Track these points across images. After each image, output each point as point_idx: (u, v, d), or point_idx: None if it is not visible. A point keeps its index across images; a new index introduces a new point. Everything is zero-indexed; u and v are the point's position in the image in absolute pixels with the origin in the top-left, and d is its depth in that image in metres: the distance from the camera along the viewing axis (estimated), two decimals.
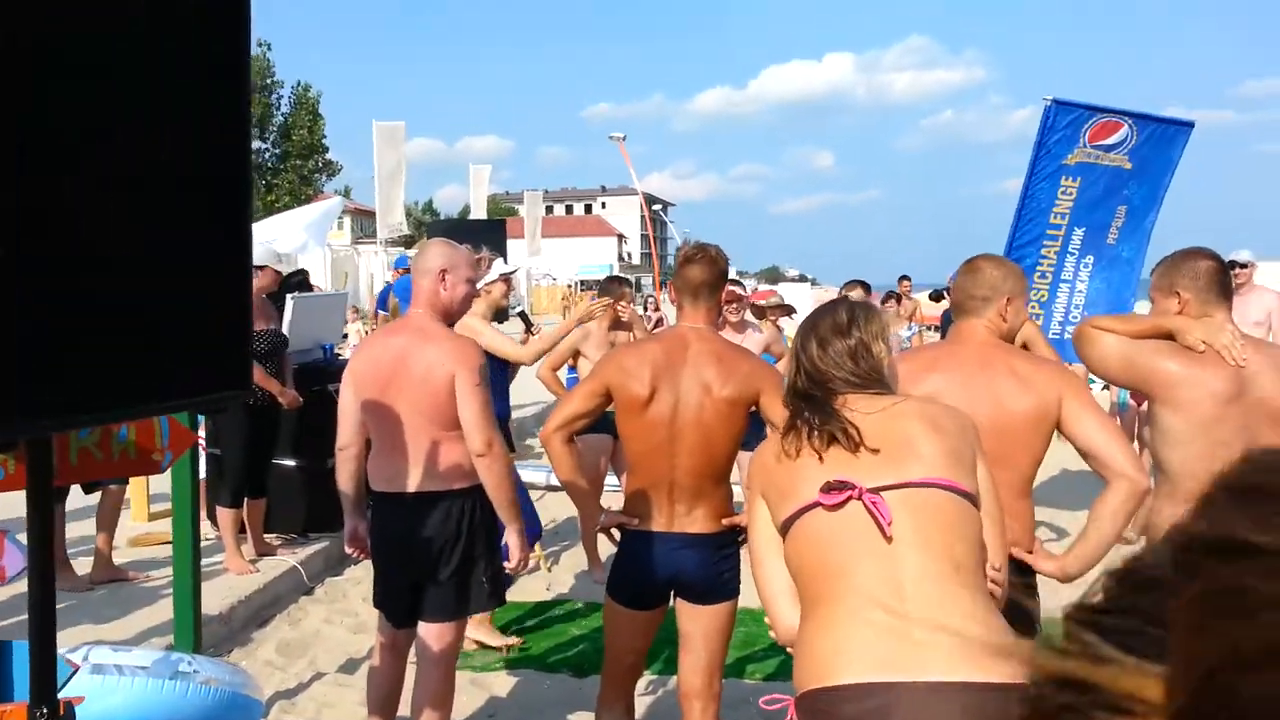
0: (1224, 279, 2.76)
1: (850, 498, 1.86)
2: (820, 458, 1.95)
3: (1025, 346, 5.53)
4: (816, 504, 1.89)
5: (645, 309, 10.96)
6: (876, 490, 1.86)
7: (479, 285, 4.95)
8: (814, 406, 2.03)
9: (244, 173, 1.51)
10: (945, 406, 2.09)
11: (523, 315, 6.00)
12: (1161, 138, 6.71)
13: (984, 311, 2.70)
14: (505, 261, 5.49)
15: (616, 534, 3.09)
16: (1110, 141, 6.71)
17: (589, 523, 3.19)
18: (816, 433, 1.98)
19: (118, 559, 5.52)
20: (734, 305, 6.10)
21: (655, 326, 9.22)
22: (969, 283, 2.74)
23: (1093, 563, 2.50)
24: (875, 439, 1.94)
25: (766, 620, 2.09)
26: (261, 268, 5.54)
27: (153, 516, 6.62)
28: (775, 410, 2.86)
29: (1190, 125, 6.74)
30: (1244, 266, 7.19)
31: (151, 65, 1.37)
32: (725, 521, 2.97)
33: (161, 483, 5.54)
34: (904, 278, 12.75)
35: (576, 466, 3.08)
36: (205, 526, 6.19)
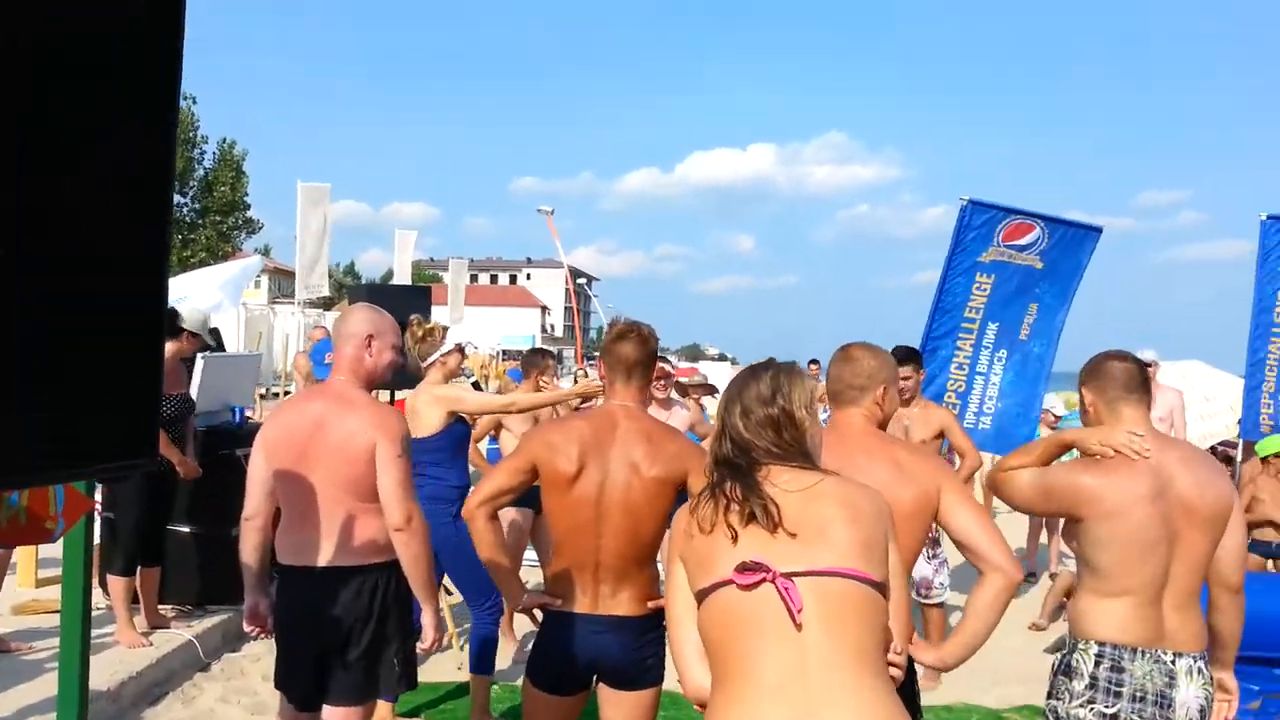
0: (1132, 378, 2.82)
1: (764, 580, 1.89)
2: (737, 534, 1.96)
3: (942, 433, 5.69)
4: (730, 581, 1.92)
5: (575, 381, 10.92)
6: (790, 575, 1.89)
7: (434, 356, 4.91)
8: (737, 476, 2.03)
9: (163, 229, 1.47)
10: (864, 489, 2.07)
11: (475, 385, 5.94)
12: (1071, 241, 7.04)
13: (861, 400, 2.72)
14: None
15: (539, 614, 3.02)
16: (1023, 242, 7.02)
17: (510, 602, 3.11)
18: (737, 506, 1.98)
19: (0, 627, 5.20)
20: (663, 382, 6.12)
21: (584, 404, 9.18)
22: (846, 372, 2.75)
23: (970, 653, 2.53)
24: (793, 521, 1.95)
25: (680, 687, 2.12)
26: (193, 334, 5.40)
27: (40, 583, 6.28)
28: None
29: (1098, 230, 7.08)
30: (1148, 365, 7.50)
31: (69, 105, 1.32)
32: (650, 604, 2.92)
33: (51, 546, 5.27)
34: (813, 361, 12.98)
35: (499, 544, 3.02)
36: (96, 594, 5.89)
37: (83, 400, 1.38)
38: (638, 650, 2.89)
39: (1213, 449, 9.17)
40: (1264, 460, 6.98)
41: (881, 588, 1.96)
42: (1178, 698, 2.62)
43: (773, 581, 1.88)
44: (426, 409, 4.81)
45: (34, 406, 1.31)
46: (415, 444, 4.91)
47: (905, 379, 5.45)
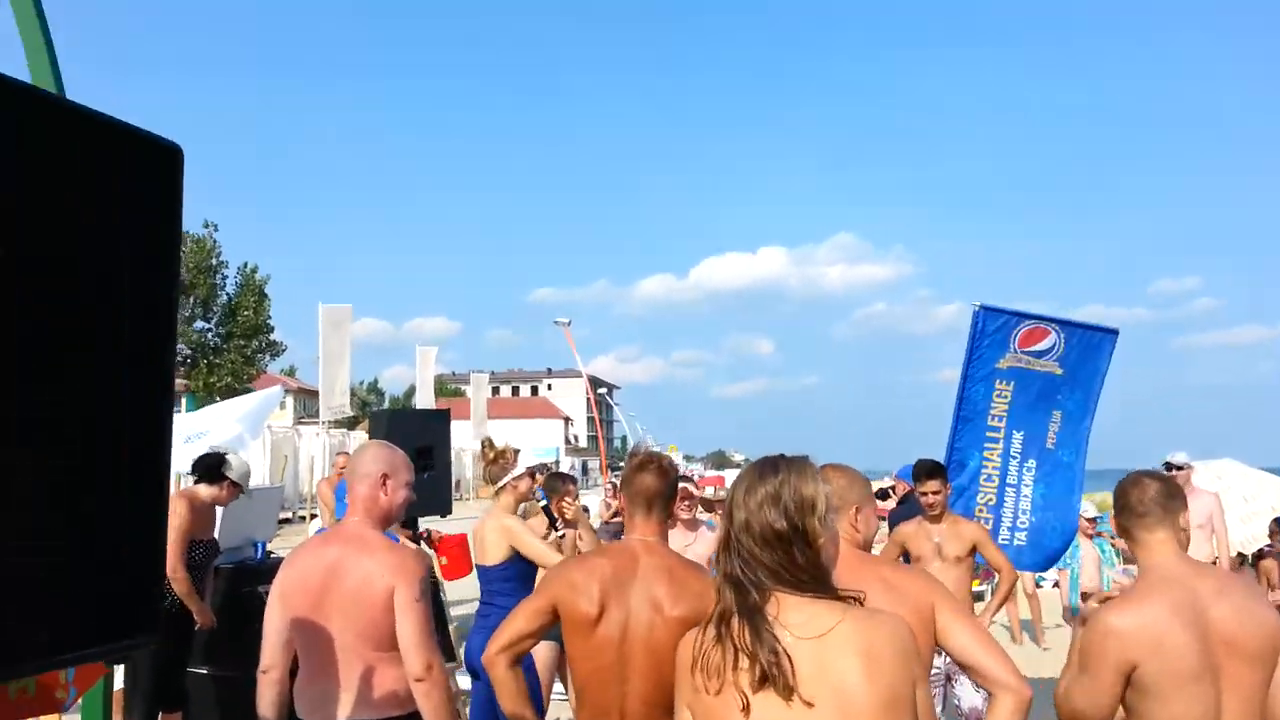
0: (1155, 500, 2.73)
1: None
2: (749, 704, 1.76)
3: (975, 548, 5.55)
4: None
5: (605, 497, 10.86)
6: None
7: (505, 480, 4.89)
8: (745, 613, 1.83)
9: (164, 420, 1.48)
10: (885, 626, 1.85)
11: (546, 510, 5.89)
12: (1088, 345, 6.99)
13: (836, 524, 2.68)
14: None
15: None
16: (1039, 348, 6.98)
17: None
18: (747, 662, 1.78)
19: None
20: (686, 503, 6.05)
21: (614, 516, 9.07)
22: None
23: None
24: (810, 683, 1.75)
25: None
26: (235, 483, 5.44)
27: None
28: None
29: (1115, 333, 7.04)
30: (1180, 469, 7.36)
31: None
32: None
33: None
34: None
35: (521, 692, 2.92)
36: None
37: (85, 585, 1.38)
38: None
39: (1259, 554, 8.91)
40: None
41: None
42: None
43: None
44: (494, 537, 4.76)
45: (33, 594, 1.31)
46: (481, 572, 4.87)
47: (934, 493, 5.37)
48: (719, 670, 1.81)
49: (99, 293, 1.36)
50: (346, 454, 9.96)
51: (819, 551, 1.87)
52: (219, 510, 6.03)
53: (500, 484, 4.94)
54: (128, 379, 1.41)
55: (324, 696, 3.00)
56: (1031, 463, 6.87)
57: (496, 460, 4.97)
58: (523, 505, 5.48)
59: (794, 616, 1.81)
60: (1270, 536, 8.27)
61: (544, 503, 5.87)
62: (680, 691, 1.97)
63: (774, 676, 1.74)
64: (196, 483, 5.55)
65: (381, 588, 2.96)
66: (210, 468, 5.42)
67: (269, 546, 6.98)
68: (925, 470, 5.39)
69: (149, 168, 1.46)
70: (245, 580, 5.93)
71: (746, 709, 1.76)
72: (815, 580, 1.86)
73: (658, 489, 2.99)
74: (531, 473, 5.18)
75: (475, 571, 5.09)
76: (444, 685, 2.97)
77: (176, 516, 5.22)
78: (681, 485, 6.05)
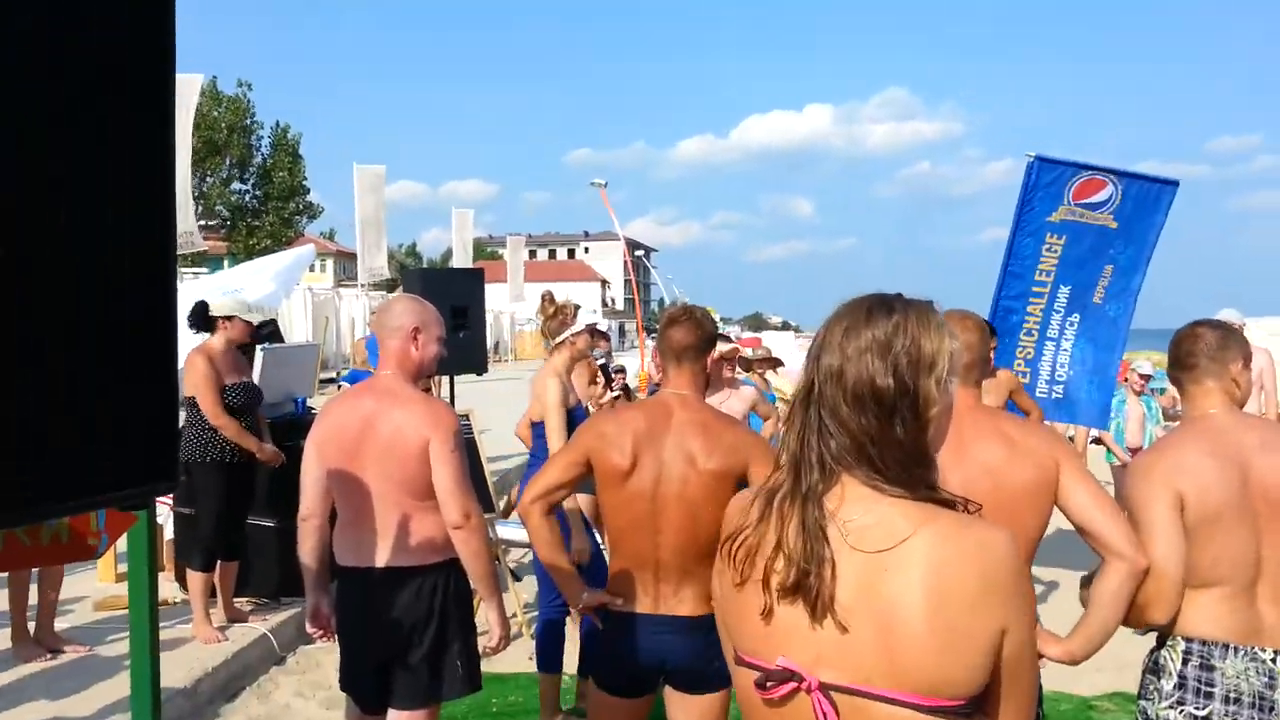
0: (1206, 347, 2.63)
1: (796, 690, 1.39)
2: (771, 610, 1.40)
3: (1012, 396, 5.50)
4: (752, 665, 1.45)
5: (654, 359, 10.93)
6: (828, 689, 1.36)
7: (564, 336, 4.82)
8: (797, 496, 1.41)
9: (168, 265, 1.39)
10: (973, 548, 1.34)
11: (604, 368, 5.82)
12: (1146, 197, 6.71)
13: (964, 377, 2.59)
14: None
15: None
16: (1095, 200, 6.71)
17: (571, 601, 3.03)
18: (783, 561, 1.39)
19: (81, 621, 5.30)
20: (730, 362, 5.99)
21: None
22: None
23: (1098, 646, 2.41)
24: (849, 609, 1.35)
25: None
26: (229, 318, 5.40)
27: (120, 577, 6.40)
28: None
29: (1175, 184, 6.74)
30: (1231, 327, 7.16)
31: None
32: None
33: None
34: None
35: (556, 542, 2.92)
36: (174, 589, 6.00)
37: (99, 429, 1.32)
38: (705, 651, 2.78)
39: None
40: None
41: (961, 709, 1.33)
42: None
43: (808, 693, 1.38)
44: (546, 395, 4.71)
45: (46, 439, 1.26)
46: (534, 425, 4.85)
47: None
48: (749, 556, 1.44)
49: (84, 137, 1.25)
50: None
51: (926, 427, 1.40)
52: (257, 366, 6.07)
53: (559, 339, 4.84)
54: (125, 224, 1.32)
55: (362, 543, 3.03)
56: (1075, 317, 6.71)
57: (556, 315, 4.84)
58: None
59: (858, 515, 1.38)
60: None
61: (603, 361, 5.78)
62: (721, 550, 1.58)
63: (807, 588, 1.36)
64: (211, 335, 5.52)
65: (415, 439, 2.95)
66: (199, 316, 5.39)
67: (310, 403, 7.07)
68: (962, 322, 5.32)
69: None
70: (286, 434, 6.01)
71: (768, 614, 1.40)
72: (905, 468, 1.39)
73: (688, 341, 2.92)
74: (591, 330, 5.05)
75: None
76: (482, 532, 2.99)
77: (196, 372, 5.24)
78: (728, 346, 5.98)
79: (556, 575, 2.98)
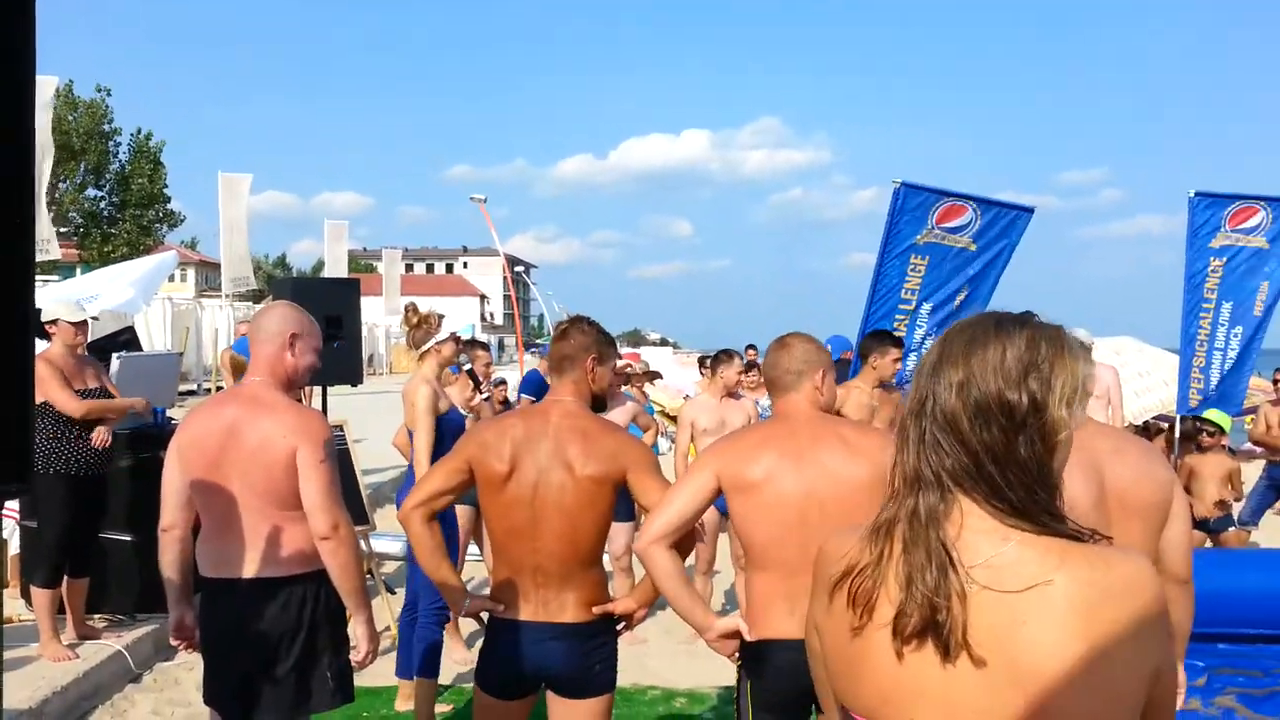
0: None
1: None
2: (900, 654, 1.24)
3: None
4: None
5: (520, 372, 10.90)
6: None
7: (429, 344, 4.81)
8: (914, 519, 1.26)
9: (26, 238, 1.33)
10: (1123, 584, 1.20)
11: (470, 374, 5.86)
12: (1003, 221, 7.11)
13: (800, 385, 2.77)
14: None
15: (485, 616, 2.94)
16: (956, 224, 7.08)
17: (453, 607, 3.01)
18: (907, 604, 1.22)
19: None
20: (619, 377, 6.07)
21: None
22: (784, 358, 2.80)
23: None
24: (985, 660, 1.19)
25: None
26: (52, 322, 5.12)
27: None
28: (646, 491, 2.79)
29: (1030, 211, 7.17)
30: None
31: None
32: (597, 610, 2.83)
33: None
34: (750, 346, 12.95)
35: (437, 547, 2.90)
36: (19, 606, 5.65)
37: None
38: (585, 658, 2.80)
39: (1146, 424, 9.38)
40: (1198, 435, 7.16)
41: None
42: None
43: None
44: (416, 400, 4.74)
45: None
46: (411, 434, 4.82)
47: (895, 361, 5.50)
48: (868, 599, 1.27)
49: None
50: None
51: (1053, 450, 1.26)
52: (113, 374, 5.80)
53: (424, 348, 4.88)
54: None
55: (228, 555, 2.92)
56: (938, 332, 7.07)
57: (420, 325, 4.92)
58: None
59: (983, 546, 1.23)
60: (1275, 386, 8.78)
61: (468, 366, 5.83)
62: (813, 605, 1.42)
63: (937, 626, 1.20)
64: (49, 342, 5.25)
65: (283, 448, 2.87)
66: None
67: (169, 414, 6.79)
68: (894, 340, 5.59)
69: None
70: (144, 445, 5.76)
71: (899, 658, 1.23)
72: (1029, 490, 1.24)
73: (564, 351, 2.96)
74: (455, 338, 5.09)
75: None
76: (351, 544, 2.92)
77: (38, 378, 4.97)
78: (620, 363, 6.05)
79: (439, 581, 2.97)
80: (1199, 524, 7.04)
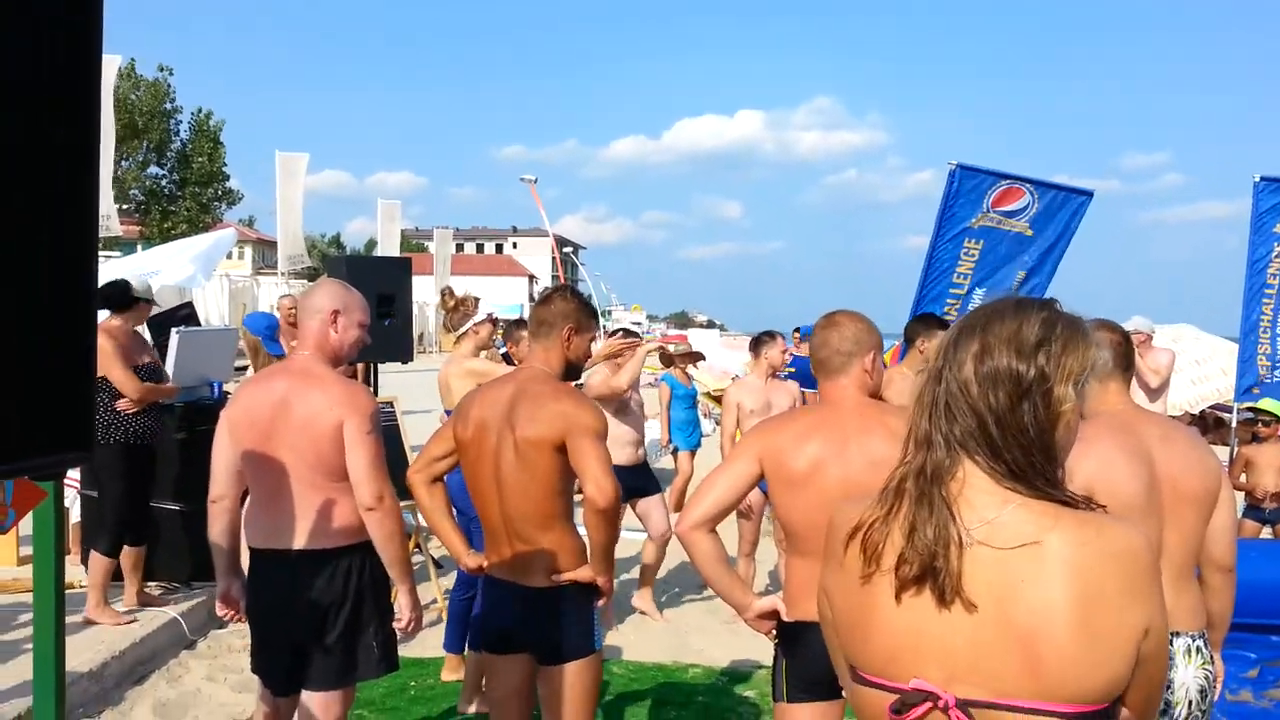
0: (1110, 346, 2.72)
1: (931, 710, 1.32)
2: (899, 598, 1.34)
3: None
4: (878, 684, 1.38)
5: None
6: (966, 706, 1.29)
7: (466, 327, 4.88)
8: (919, 475, 1.35)
9: (89, 207, 1.37)
10: (1113, 546, 1.29)
11: (506, 356, 5.94)
12: (1061, 206, 6.97)
13: (849, 368, 2.63)
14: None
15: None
16: (1012, 207, 6.94)
17: (459, 562, 3.12)
18: (908, 552, 1.32)
19: None
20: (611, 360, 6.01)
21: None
22: (833, 337, 2.65)
23: None
24: (983, 614, 1.29)
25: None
26: (137, 300, 5.26)
27: (22, 560, 6.19)
28: (577, 456, 2.79)
29: (1089, 195, 7.01)
30: (1137, 335, 7.50)
31: None
32: (565, 577, 2.85)
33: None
34: (796, 329, 12.84)
35: (438, 508, 3.04)
36: (80, 573, 5.81)
37: (5, 395, 1.30)
38: (549, 623, 2.85)
39: (1202, 414, 9.17)
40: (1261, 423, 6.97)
41: (1104, 713, 1.29)
42: (1176, 678, 2.53)
43: (944, 711, 1.31)
44: (458, 383, 4.82)
45: None
46: (449, 415, 4.89)
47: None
48: (875, 550, 1.36)
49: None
50: (290, 296, 9.75)
51: (1056, 421, 1.34)
52: (172, 349, 5.92)
53: (461, 330, 4.94)
54: (48, 202, 1.30)
55: (276, 527, 2.98)
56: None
57: (457, 308, 4.99)
58: (483, 353, 5.47)
59: (982, 506, 1.32)
60: None
61: (503, 350, 5.87)
62: (824, 573, 1.49)
63: (934, 570, 1.30)
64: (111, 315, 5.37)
65: (330, 420, 2.92)
66: (119, 296, 5.26)
67: (226, 388, 6.92)
68: (940, 324, 5.51)
69: None
70: (201, 418, 5.88)
71: (898, 603, 1.33)
72: (1027, 455, 1.33)
73: (543, 316, 3.02)
74: (492, 319, 5.15)
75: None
76: (395, 515, 2.97)
77: (102, 351, 5.10)
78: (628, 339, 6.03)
79: (443, 538, 3.09)
80: (1256, 514, 6.88)
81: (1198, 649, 2.58)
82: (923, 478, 1.34)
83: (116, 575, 5.31)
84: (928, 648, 1.31)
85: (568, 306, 2.99)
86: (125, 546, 5.33)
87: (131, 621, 5.16)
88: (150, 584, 5.67)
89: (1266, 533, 6.90)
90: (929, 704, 1.30)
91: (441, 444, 3.02)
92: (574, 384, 3.42)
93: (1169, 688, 2.51)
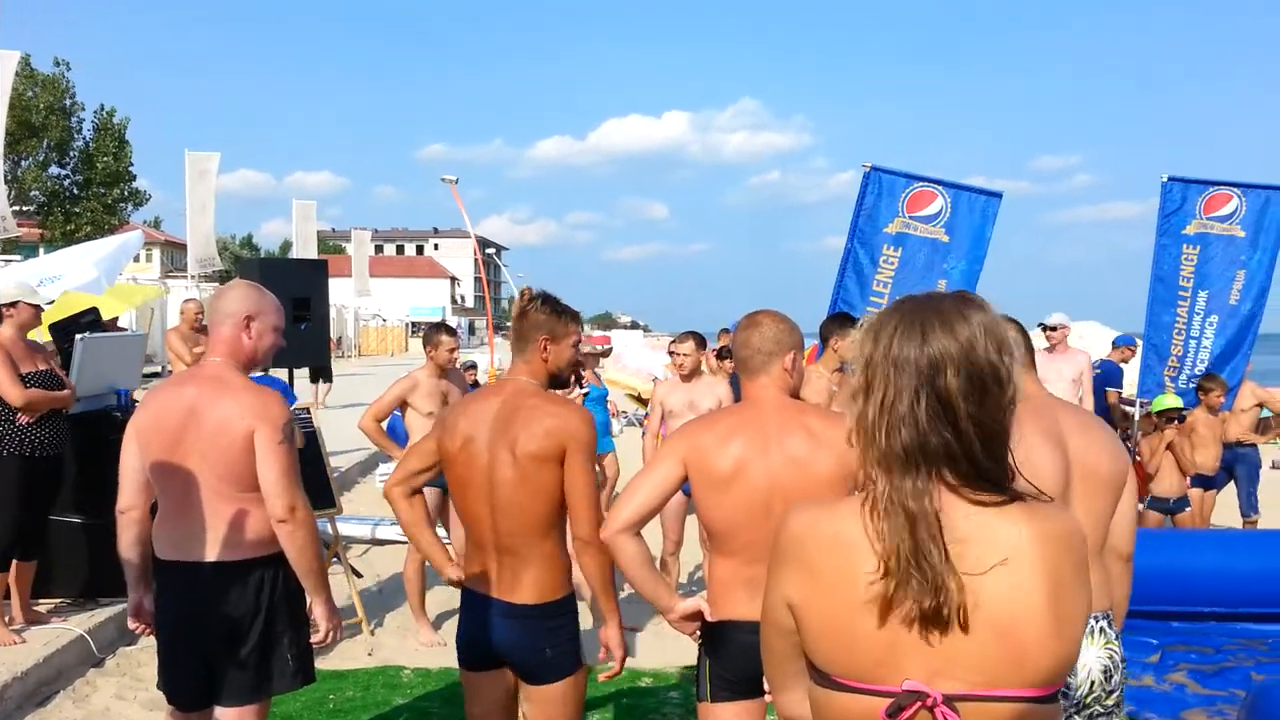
0: (1022, 339, 2.78)
1: (920, 709, 1.33)
2: (888, 608, 1.33)
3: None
4: (868, 690, 1.36)
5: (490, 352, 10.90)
6: (953, 700, 1.32)
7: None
8: (914, 512, 1.33)
9: None
10: (1067, 537, 1.36)
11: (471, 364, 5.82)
12: (972, 208, 7.12)
13: (770, 367, 2.65)
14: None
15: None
16: (926, 212, 7.08)
17: (440, 571, 3.05)
18: (916, 596, 1.31)
19: None
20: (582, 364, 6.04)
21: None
22: (754, 337, 2.67)
23: None
24: (974, 612, 1.31)
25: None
26: (13, 304, 5.05)
27: None
28: (575, 477, 2.77)
29: (998, 195, 7.19)
30: (1055, 329, 7.72)
31: None
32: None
33: None
34: (724, 330, 12.93)
35: (419, 519, 3.00)
36: None
37: None
38: (538, 641, 2.81)
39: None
40: (1159, 415, 7.24)
41: (1063, 689, 1.42)
42: (1079, 658, 2.62)
43: (930, 710, 1.33)
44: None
45: None
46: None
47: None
48: (883, 589, 1.34)
49: None
50: (194, 300, 9.44)
51: (1013, 409, 1.37)
52: (76, 354, 5.70)
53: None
54: None
55: (186, 538, 2.89)
56: None
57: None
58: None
59: (961, 526, 1.33)
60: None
61: (470, 367, 5.76)
62: (783, 581, 1.44)
63: (945, 612, 1.31)
64: None
65: (241, 430, 2.84)
66: None
67: (134, 396, 6.70)
68: (853, 323, 5.58)
69: None
70: (108, 427, 5.68)
71: (886, 631, 1.33)
72: (998, 454, 1.36)
73: (520, 330, 2.97)
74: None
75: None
76: (308, 527, 2.90)
77: None
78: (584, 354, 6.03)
79: (423, 548, 3.05)
80: (1159, 504, 7.14)
81: (1101, 630, 2.64)
82: (904, 497, 1.33)
83: (6, 593, 5.09)
84: (911, 647, 1.34)
85: (539, 318, 2.93)
86: (15, 562, 5.11)
87: (22, 642, 4.94)
88: (49, 600, 5.45)
89: (1168, 523, 7.18)
90: (917, 703, 1.32)
91: (421, 458, 2.97)
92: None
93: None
